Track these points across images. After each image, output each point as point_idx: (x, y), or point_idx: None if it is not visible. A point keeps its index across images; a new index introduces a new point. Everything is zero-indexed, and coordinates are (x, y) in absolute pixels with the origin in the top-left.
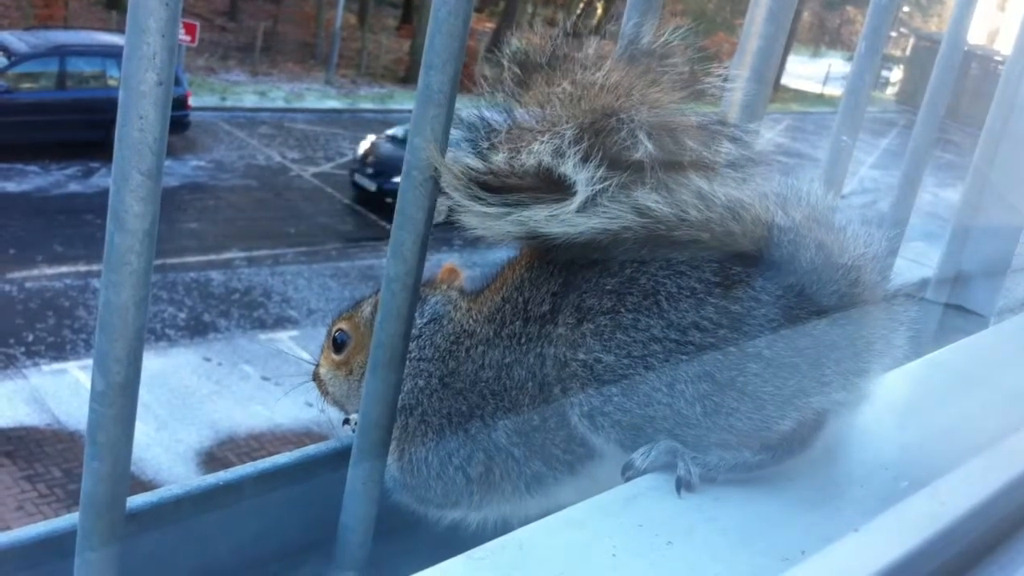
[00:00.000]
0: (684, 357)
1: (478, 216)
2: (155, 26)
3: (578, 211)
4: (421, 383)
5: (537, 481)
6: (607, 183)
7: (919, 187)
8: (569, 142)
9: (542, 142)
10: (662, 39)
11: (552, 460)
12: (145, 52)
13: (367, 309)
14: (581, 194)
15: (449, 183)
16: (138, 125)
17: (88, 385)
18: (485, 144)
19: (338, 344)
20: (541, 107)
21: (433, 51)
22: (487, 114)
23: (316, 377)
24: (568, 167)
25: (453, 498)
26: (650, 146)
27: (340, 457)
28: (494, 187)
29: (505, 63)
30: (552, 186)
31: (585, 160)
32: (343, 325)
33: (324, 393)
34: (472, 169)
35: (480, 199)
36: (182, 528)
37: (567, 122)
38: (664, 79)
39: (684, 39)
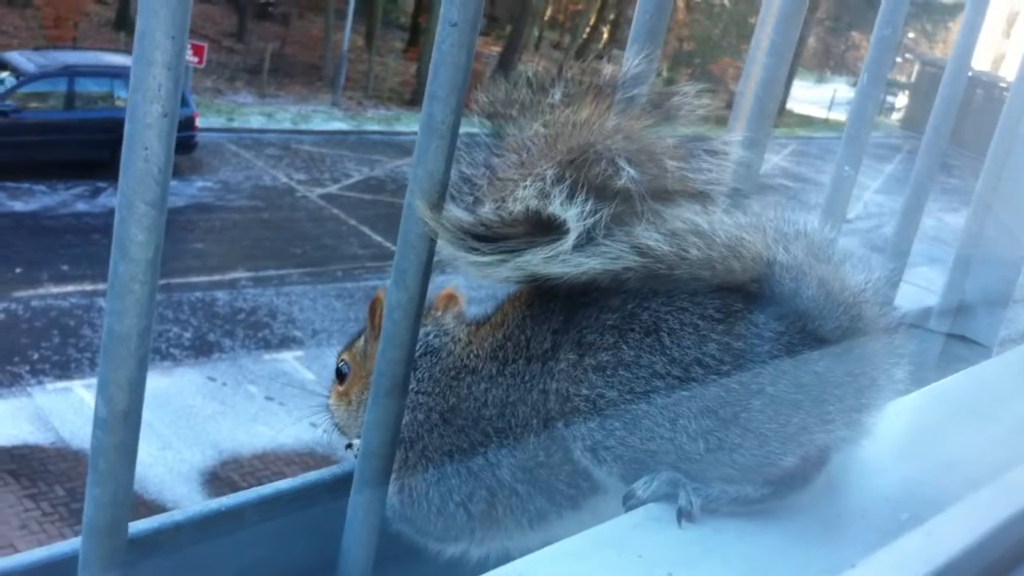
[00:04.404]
0: (687, 393)
1: (476, 266)
2: (161, 59)
3: (575, 249)
4: (421, 417)
5: (540, 516)
6: (598, 216)
7: (922, 213)
8: (552, 182)
9: (525, 187)
10: (623, 69)
11: (556, 495)
12: (151, 84)
13: (360, 339)
14: (574, 231)
15: (443, 237)
16: (143, 156)
17: (92, 404)
18: (470, 199)
19: (341, 375)
20: (518, 154)
21: (436, 82)
22: (465, 171)
23: (328, 407)
24: (556, 206)
25: (454, 533)
26: (632, 171)
27: (342, 483)
28: (487, 237)
29: (476, 119)
30: (544, 229)
31: (571, 197)
32: (344, 356)
33: (334, 424)
34: (463, 222)
35: (475, 250)
36: (184, 554)
37: (546, 163)
38: (633, 106)
39: (646, 66)
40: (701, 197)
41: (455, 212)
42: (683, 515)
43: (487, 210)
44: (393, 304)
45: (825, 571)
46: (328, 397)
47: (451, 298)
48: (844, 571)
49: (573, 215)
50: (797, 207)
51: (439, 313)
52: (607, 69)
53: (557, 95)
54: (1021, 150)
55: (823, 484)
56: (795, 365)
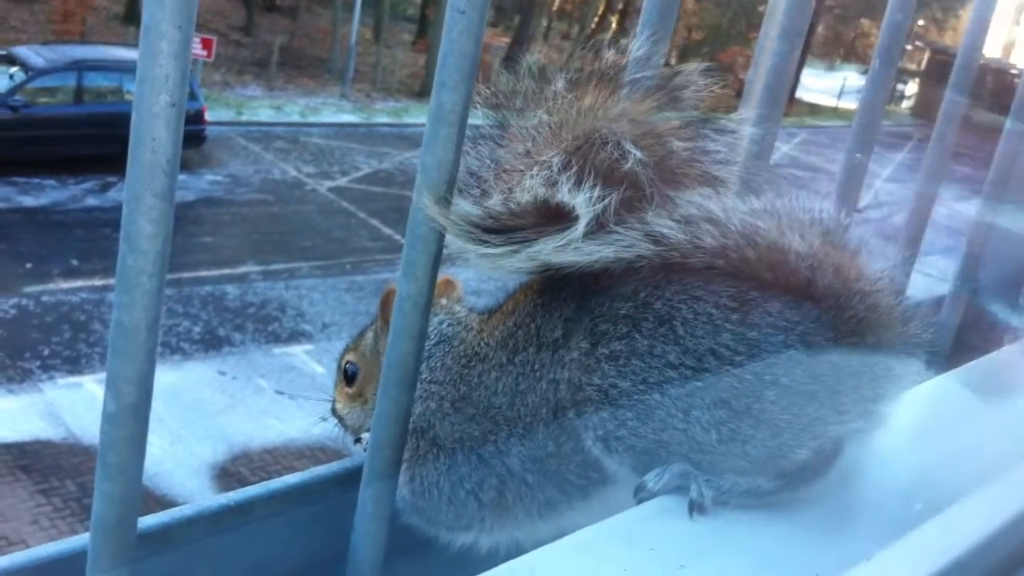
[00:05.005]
0: (700, 383)
1: (487, 258)
2: (168, 49)
3: (587, 237)
4: (432, 406)
5: (550, 506)
6: (607, 201)
7: (934, 201)
8: (559, 169)
9: (532, 176)
10: (624, 53)
11: (566, 485)
12: (158, 74)
13: (369, 337)
14: (584, 217)
15: (451, 232)
16: (151, 147)
17: (102, 399)
18: (477, 192)
19: (349, 376)
20: (523, 144)
21: (445, 71)
22: (472, 164)
23: (334, 413)
24: (564, 193)
25: (464, 522)
26: (639, 154)
27: (351, 477)
28: (496, 229)
29: (480, 112)
30: (554, 218)
31: (579, 183)
32: (350, 357)
33: (345, 427)
34: (471, 215)
35: (485, 242)
36: (193, 549)
37: (552, 151)
38: (636, 90)
39: (649, 48)
40: (713, 181)
41: (463, 206)
42: (695, 507)
43: (495, 202)
44: (403, 296)
45: (840, 563)
46: (335, 401)
47: (448, 284)
48: (859, 563)
49: (582, 201)
50: (810, 195)
51: (445, 302)
52: (608, 54)
53: (560, 83)
54: None
55: (836, 475)
56: (810, 355)
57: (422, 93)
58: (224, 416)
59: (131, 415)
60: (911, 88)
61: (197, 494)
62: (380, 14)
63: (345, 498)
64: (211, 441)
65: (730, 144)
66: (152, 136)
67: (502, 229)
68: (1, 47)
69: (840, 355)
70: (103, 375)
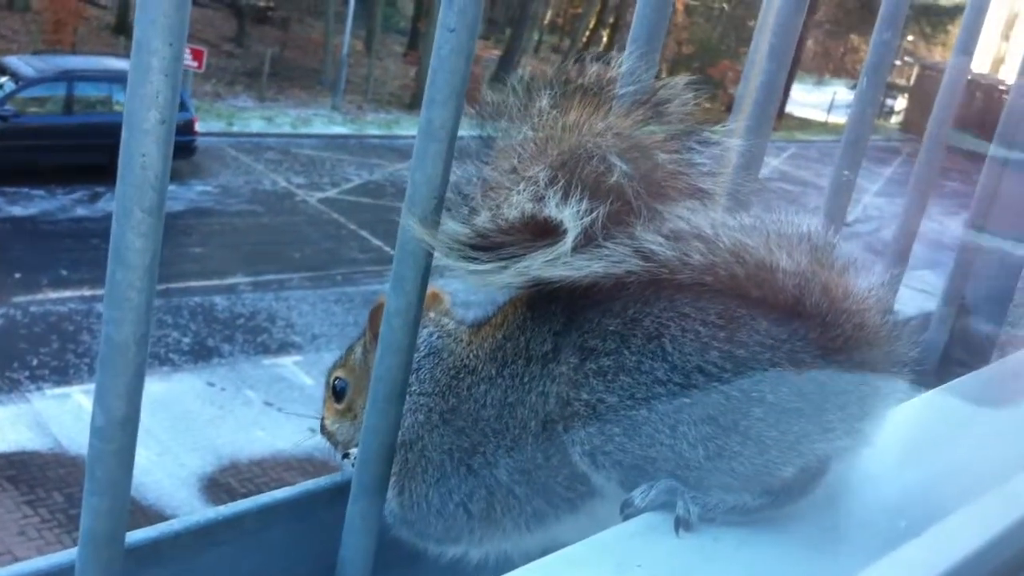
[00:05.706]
0: (688, 400)
1: (476, 274)
2: (158, 65)
3: (576, 251)
4: (421, 418)
5: (538, 518)
6: (594, 215)
7: (922, 216)
8: (545, 184)
9: (519, 192)
10: (607, 69)
11: (554, 498)
12: (148, 91)
13: (358, 351)
14: (572, 231)
15: (440, 251)
16: (140, 163)
17: (90, 410)
18: (465, 210)
19: (338, 392)
20: (509, 161)
21: (435, 87)
22: (458, 182)
23: (323, 430)
24: (551, 208)
25: (454, 534)
26: (624, 166)
27: (340, 492)
28: (485, 247)
29: (466, 131)
30: (542, 233)
31: (566, 197)
32: (339, 373)
33: (335, 444)
34: (459, 235)
35: (474, 259)
36: (181, 563)
37: (538, 167)
38: (621, 104)
39: (633, 62)
40: (699, 193)
41: (451, 226)
42: (681, 524)
43: (483, 219)
44: (392, 310)
45: None
46: (324, 417)
47: (436, 297)
48: None
49: (569, 215)
50: (798, 210)
51: (434, 314)
52: (592, 69)
53: (545, 100)
54: (1021, 152)
55: (823, 493)
56: (797, 373)
57: (413, 105)
58: (212, 427)
59: (120, 429)
60: (900, 103)
61: (185, 505)
62: (372, 26)
63: (334, 513)
64: (199, 452)
65: (716, 156)
66: (142, 152)
67: (491, 246)
68: None
69: (827, 373)
70: (91, 386)
